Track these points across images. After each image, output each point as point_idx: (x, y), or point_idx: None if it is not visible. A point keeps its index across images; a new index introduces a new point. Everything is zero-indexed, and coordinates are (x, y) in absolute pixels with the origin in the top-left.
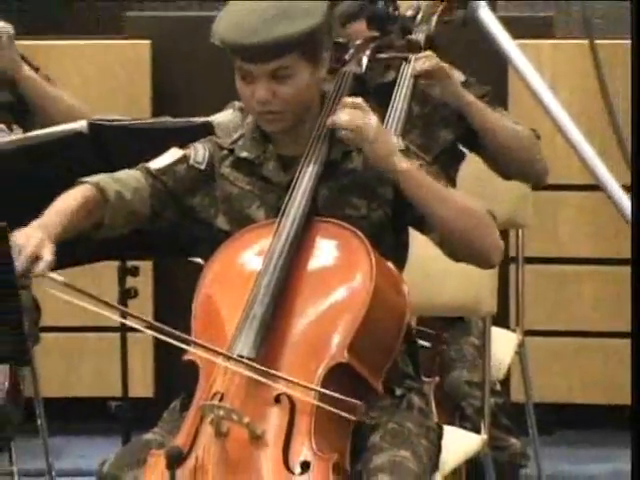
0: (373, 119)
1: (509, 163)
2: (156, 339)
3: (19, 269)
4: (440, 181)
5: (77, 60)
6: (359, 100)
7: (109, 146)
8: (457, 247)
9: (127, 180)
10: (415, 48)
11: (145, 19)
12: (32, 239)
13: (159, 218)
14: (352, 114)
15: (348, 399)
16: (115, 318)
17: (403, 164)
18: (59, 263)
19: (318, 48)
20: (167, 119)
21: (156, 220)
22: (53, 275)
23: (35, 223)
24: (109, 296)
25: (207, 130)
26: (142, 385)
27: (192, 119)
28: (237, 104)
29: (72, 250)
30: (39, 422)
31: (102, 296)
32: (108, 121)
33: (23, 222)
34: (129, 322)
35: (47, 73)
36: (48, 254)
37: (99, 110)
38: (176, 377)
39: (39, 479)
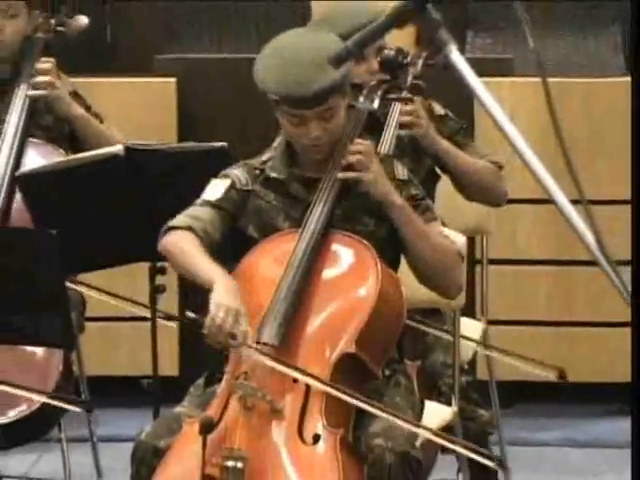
0: (376, 163)
1: (473, 193)
2: (181, 326)
3: (222, 341)
4: (428, 214)
5: (114, 95)
6: (368, 144)
7: (141, 166)
8: (425, 275)
9: (202, 216)
10: (419, 91)
11: (171, 60)
12: (229, 311)
13: (224, 237)
14: (359, 160)
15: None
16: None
17: (397, 202)
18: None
19: (345, 86)
20: (190, 143)
21: (224, 243)
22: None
23: (220, 287)
24: (142, 291)
25: (223, 153)
26: (169, 365)
27: (210, 143)
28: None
29: (111, 254)
30: (83, 396)
31: (136, 291)
32: (141, 145)
33: (68, 230)
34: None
35: (97, 111)
36: (246, 323)
37: (132, 139)
38: (198, 358)
39: (83, 444)
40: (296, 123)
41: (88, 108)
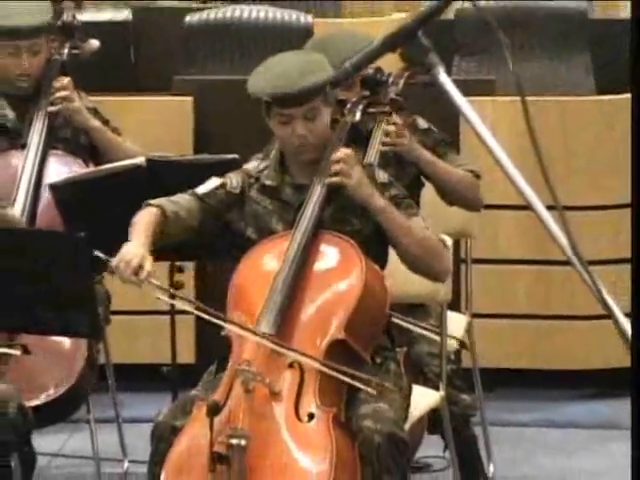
0: (357, 170)
1: (453, 199)
2: (197, 318)
3: (127, 275)
4: (410, 210)
5: (136, 112)
6: (349, 153)
7: (161, 176)
8: (414, 266)
9: (181, 202)
10: (398, 106)
11: (188, 81)
12: (137, 255)
13: (204, 230)
14: (342, 168)
15: (343, 369)
16: (189, 308)
17: (379, 203)
18: None
19: (330, 95)
20: (205, 155)
21: (202, 232)
22: (153, 280)
23: (135, 241)
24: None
25: (235, 164)
26: (186, 353)
27: (223, 155)
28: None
29: None
30: (109, 382)
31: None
32: (161, 157)
33: (95, 233)
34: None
35: (115, 125)
36: (149, 265)
37: (152, 152)
38: (212, 347)
39: (109, 424)
40: (284, 122)
41: (106, 122)
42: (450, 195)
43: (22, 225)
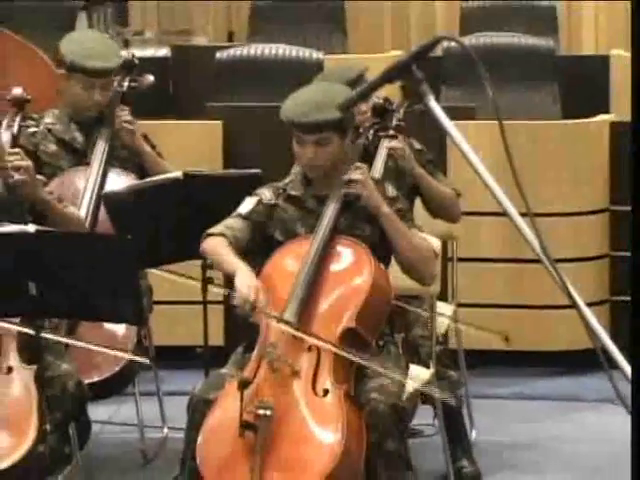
0: (370, 182)
1: (437, 211)
2: (226, 308)
3: (248, 311)
4: (409, 223)
5: (174, 134)
6: (365, 168)
7: (195, 187)
8: (406, 268)
9: (234, 225)
10: (401, 130)
11: (218, 107)
12: (251, 287)
13: (254, 241)
14: (359, 179)
15: (349, 352)
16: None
17: (386, 210)
18: (167, 261)
19: (345, 127)
20: (232, 170)
21: (253, 243)
22: (266, 311)
23: (241, 272)
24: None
25: (256, 178)
26: (216, 337)
27: (247, 170)
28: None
29: (171, 253)
30: (153, 364)
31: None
32: (195, 172)
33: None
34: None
35: (159, 150)
36: (262, 295)
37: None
38: (238, 331)
39: (151, 397)
40: (298, 142)
41: (153, 147)
42: (436, 208)
43: (82, 221)
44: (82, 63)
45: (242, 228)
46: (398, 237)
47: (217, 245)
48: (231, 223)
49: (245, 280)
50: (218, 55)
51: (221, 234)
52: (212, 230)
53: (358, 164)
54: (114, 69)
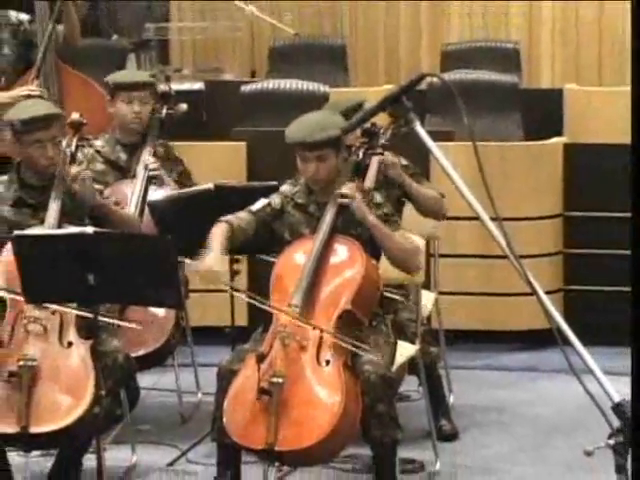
0: (359, 196)
1: (425, 211)
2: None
3: (206, 283)
4: (395, 225)
5: (205, 153)
6: (354, 185)
7: (224, 196)
8: (394, 263)
9: (242, 217)
10: (387, 149)
11: (243, 131)
12: (212, 267)
13: (257, 235)
14: (348, 194)
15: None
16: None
17: (372, 219)
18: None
19: (339, 146)
20: (254, 183)
21: (256, 236)
22: (222, 285)
23: (213, 253)
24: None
25: (275, 188)
26: (241, 318)
27: (266, 182)
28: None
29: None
30: (188, 338)
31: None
32: (224, 183)
33: (178, 235)
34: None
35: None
36: (223, 274)
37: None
38: (259, 315)
39: (187, 368)
40: (302, 159)
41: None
42: (424, 208)
43: (137, 220)
44: (120, 80)
45: (249, 221)
46: (384, 240)
47: (217, 229)
48: (240, 215)
49: (210, 261)
50: (243, 88)
51: (227, 221)
52: (223, 217)
53: (349, 182)
54: (148, 82)
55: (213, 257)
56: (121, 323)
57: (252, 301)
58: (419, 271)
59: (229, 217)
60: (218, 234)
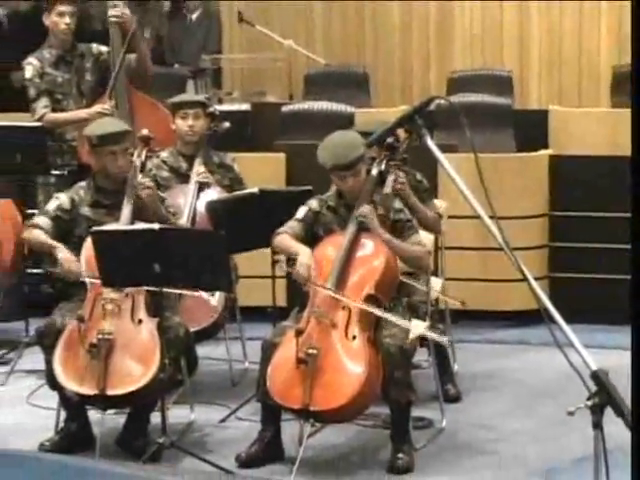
0: (374, 218)
1: (423, 226)
2: (288, 281)
3: (302, 280)
4: (412, 230)
5: (251, 164)
6: (370, 208)
7: (266, 199)
8: (406, 264)
9: (294, 226)
10: (405, 162)
11: (283, 145)
12: (307, 266)
13: (306, 237)
14: (366, 215)
15: (374, 309)
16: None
17: (383, 235)
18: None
19: (365, 158)
20: (293, 187)
21: (305, 237)
22: (313, 284)
23: (303, 254)
24: (265, 264)
25: (309, 193)
26: (281, 299)
27: (302, 187)
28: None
29: (251, 243)
30: (237, 316)
31: (260, 264)
32: (267, 189)
33: (229, 232)
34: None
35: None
36: (313, 271)
37: None
38: (297, 296)
39: (236, 341)
40: (339, 178)
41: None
42: (423, 224)
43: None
44: (177, 100)
45: (299, 228)
46: (396, 251)
47: (283, 239)
48: (291, 224)
49: (303, 260)
50: (282, 109)
51: (285, 232)
52: (279, 230)
53: (366, 205)
54: (196, 101)
55: (305, 257)
56: (182, 291)
57: (319, 287)
58: (428, 270)
59: (284, 229)
60: (288, 239)
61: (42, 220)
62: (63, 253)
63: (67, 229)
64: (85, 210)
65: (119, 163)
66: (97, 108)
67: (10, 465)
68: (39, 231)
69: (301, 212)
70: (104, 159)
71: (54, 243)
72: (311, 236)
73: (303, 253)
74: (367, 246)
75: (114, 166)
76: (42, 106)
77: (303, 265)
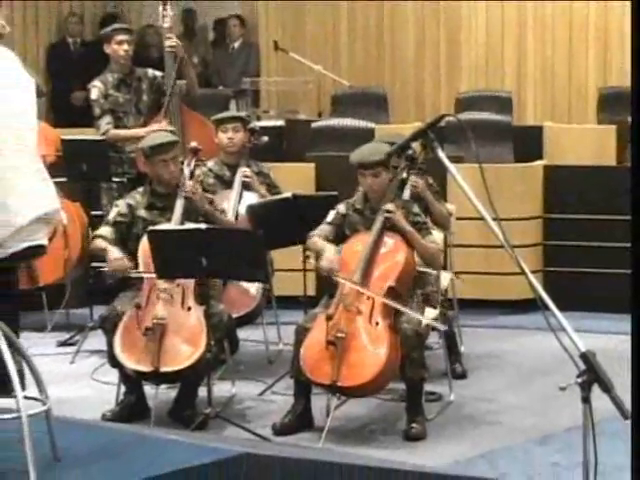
0: (399, 213)
1: (437, 224)
2: (316, 274)
3: (326, 273)
4: (427, 231)
5: (284, 173)
6: (394, 206)
7: (299, 203)
8: (422, 260)
9: (325, 229)
10: (422, 170)
11: (313, 156)
12: (332, 261)
13: (337, 238)
14: (392, 211)
15: (392, 302)
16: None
17: (407, 228)
18: (283, 245)
19: (387, 166)
20: (322, 192)
21: (336, 238)
22: (337, 277)
23: (327, 253)
24: (297, 259)
25: (336, 197)
26: (311, 289)
27: (328, 193)
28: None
29: (285, 241)
30: (273, 304)
31: (293, 259)
32: (300, 193)
33: (266, 230)
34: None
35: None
36: (337, 265)
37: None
38: (325, 286)
39: (272, 326)
40: (361, 176)
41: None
42: (438, 222)
43: (232, 223)
44: (219, 116)
45: (328, 230)
46: (415, 244)
47: (315, 241)
48: (322, 227)
49: (328, 256)
50: (312, 125)
51: (316, 234)
52: (312, 233)
53: (391, 205)
54: (234, 116)
55: (329, 252)
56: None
57: (342, 280)
58: (440, 265)
59: (316, 232)
60: (319, 241)
61: (104, 230)
62: (112, 254)
63: (127, 230)
64: (142, 212)
65: (170, 169)
66: (153, 127)
67: (76, 432)
68: (100, 240)
69: (330, 216)
70: (157, 167)
71: (108, 247)
72: (341, 235)
73: (328, 250)
74: (389, 244)
75: (166, 172)
76: (105, 123)
77: (326, 260)
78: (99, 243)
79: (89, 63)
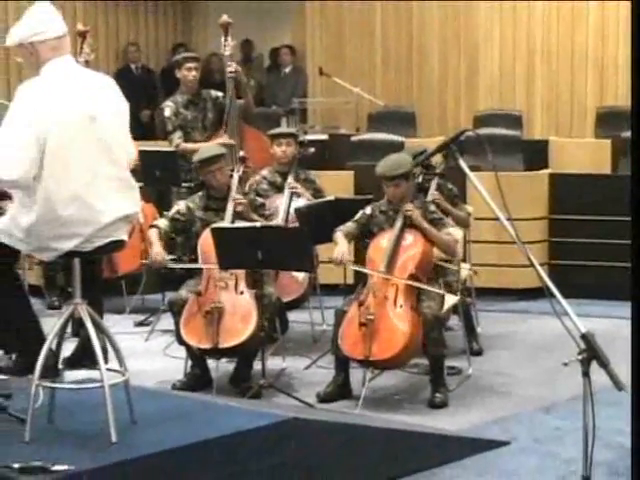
0: (417, 212)
1: (457, 223)
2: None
3: (337, 264)
4: (445, 224)
5: (328, 180)
6: (413, 206)
7: (341, 204)
8: (440, 250)
9: (349, 225)
10: (440, 176)
11: (352, 165)
12: (340, 252)
13: (361, 233)
14: (411, 209)
15: (416, 283)
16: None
17: (424, 225)
18: (322, 242)
19: (408, 177)
20: (358, 196)
21: (361, 234)
22: (348, 264)
23: (340, 246)
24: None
25: (369, 200)
26: (350, 278)
27: (365, 196)
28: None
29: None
30: (317, 290)
31: (333, 251)
32: (341, 197)
33: (310, 228)
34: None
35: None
36: (346, 255)
37: None
38: (359, 277)
39: (317, 310)
40: (385, 186)
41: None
42: (456, 221)
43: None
44: (274, 132)
45: (352, 227)
46: (433, 238)
47: (337, 235)
48: (347, 224)
49: (339, 249)
50: (351, 138)
51: (340, 230)
52: (337, 228)
53: (411, 203)
54: (286, 132)
55: (341, 246)
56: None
57: (360, 269)
58: (457, 256)
59: (340, 227)
60: (342, 237)
61: (161, 222)
62: (153, 248)
63: (183, 227)
64: (199, 213)
65: (217, 177)
66: (218, 141)
67: (150, 400)
68: (154, 230)
69: (358, 215)
70: (206, 176)
71: (154, 242)
72: (365, 232)
73: (340, 244)
74: (409, 239)
75: (213, 180)
76: (177, 137)
77: (336, 252)
78: (151, 234)
79: (148, 85)
